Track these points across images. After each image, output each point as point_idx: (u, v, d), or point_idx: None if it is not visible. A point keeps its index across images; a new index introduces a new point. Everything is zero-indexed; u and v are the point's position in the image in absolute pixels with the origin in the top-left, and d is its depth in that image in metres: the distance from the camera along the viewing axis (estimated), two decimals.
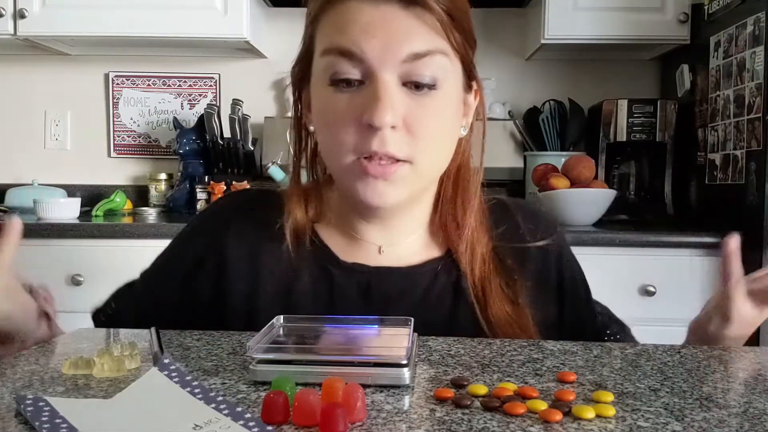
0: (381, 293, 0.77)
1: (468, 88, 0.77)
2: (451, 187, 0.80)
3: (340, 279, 0.78)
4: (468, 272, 0.78)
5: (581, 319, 0.83)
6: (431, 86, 0.69)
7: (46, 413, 0.45)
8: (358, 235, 0.80)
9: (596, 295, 0.89)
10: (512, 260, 0.80)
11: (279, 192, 0.83)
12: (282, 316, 0.65)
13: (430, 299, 0.78)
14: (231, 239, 0.80)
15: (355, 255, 0.79)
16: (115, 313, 0.85)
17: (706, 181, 2.06)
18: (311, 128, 0.77)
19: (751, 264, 0.80)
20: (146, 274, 0.86)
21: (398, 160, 0.69)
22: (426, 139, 0.70)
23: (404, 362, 0.52)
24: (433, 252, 0.81)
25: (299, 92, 0.78)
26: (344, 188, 0.73)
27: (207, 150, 2.34)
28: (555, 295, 0.82)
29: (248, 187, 2.21)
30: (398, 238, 0.80)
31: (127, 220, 2.16)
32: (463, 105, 0.77)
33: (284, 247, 0.78)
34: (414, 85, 0.69)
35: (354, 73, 0.68)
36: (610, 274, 1.79)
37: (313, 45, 0.73)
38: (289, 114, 2.08)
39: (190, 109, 2.55)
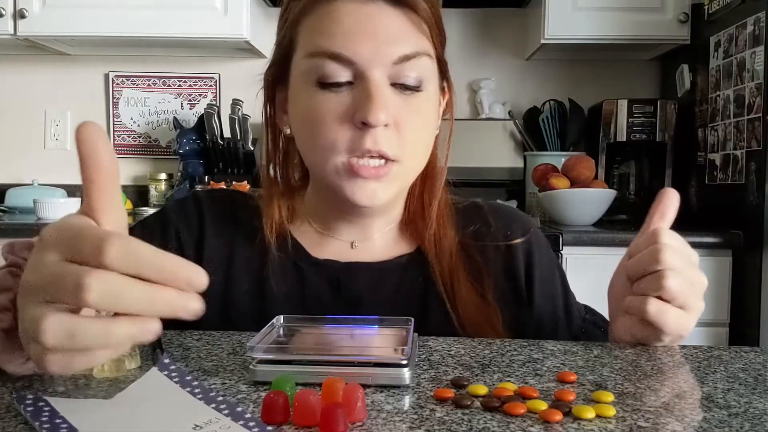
0: (351, 289, 0.79)
1: (442, 88, 0.78)
2: (419, 184, 0.81)
3: (311, 275, 0.79)
4: (436, 265, 0.79)
5: (555, 320, 0.83)
6: (416, 87, 0.71)
7: (46, 413, 0.45)
8: (331, 233, 0.81)
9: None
10: (481, 258, 0.81)
11: (253, 195, 0.85)
12: (282, 316, 0.65)
13: (400, 294, 0.79)
14: (208, 234, 0.81)
15: (326, 252, 0.81)
16: None
17: (706, 181, 2.06)
18: (286, 130, 0.78)
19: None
20: None
21: (388, 160, 0.70)
22: (412, 138, 0.71)
23: (404, 362, 0.52)
24: (404, 248, 0.82)
25: (272, 94, 0.78)
26: (331, 188, 0.73)
27: (207, 150, 2.34)
28: (524, 295, 0.82)
29: (240, 187, 2.21)
30: (371, 234, 0.81)
31: (128, 219, 2.16)
32: (438, 106, 0.78)
33: (258, 246, 0.80)
34: (401, 87, 0.70)
35: (344, 75, 0.69)
36: (610, 274, 1.78)
37: (294, 46, 0.73)
38: None
39: (190, 109, 2.55)
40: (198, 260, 0.80)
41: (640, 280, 0.65)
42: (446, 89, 0.79)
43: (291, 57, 0.74)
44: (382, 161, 0.70)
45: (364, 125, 0.68)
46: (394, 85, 0.70)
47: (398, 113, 0.69)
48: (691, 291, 0.64)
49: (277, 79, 0.77)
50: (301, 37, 0.72)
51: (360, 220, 0.80)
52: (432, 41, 0.72)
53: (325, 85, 0.69)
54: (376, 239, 0.82)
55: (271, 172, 0.81)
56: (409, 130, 0.70)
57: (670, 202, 0.69)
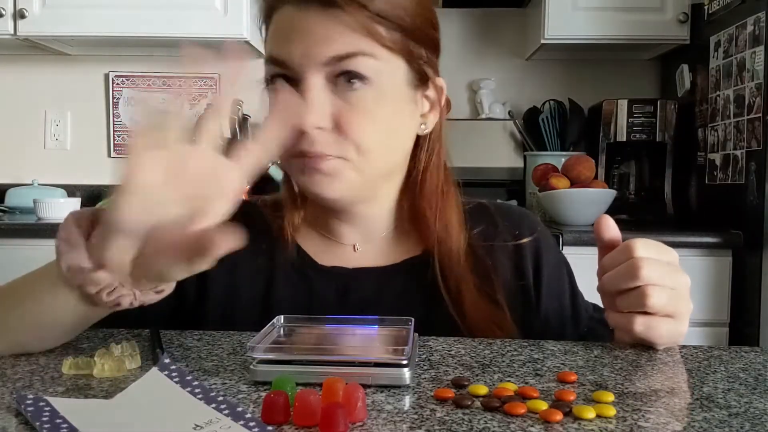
0: (359, 295, 0.78)
1: (420, 85, 0.76)
2: (419, 185, 0.80)
3: (318, 283, 0.79)
4: (441, 270, 0.78)
5: (562, 319, 0.84)
6: (354, 85, 0.70)
7: (47, 413, 0.45)
8: (332, 235, 0.82)
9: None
10: (489, 259, 0.81)
11: (255, 201, 0.85)
12: (282, 317, 0.65)
13: (407, 298, 0.79)
14: None
15: (332, 258, 0.81)
16: None
17: (706, 181, 2.06)
18: None
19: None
20: None
21: (328, 156, 0.71)
22: (358, 136, 0.71)
23: (404, 362, 0.52)
24: (411, 250, 0.82)
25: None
26: (296, 183, 0.77)
27: None
28: (532, 293, 0.82)
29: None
30: (370, 235, 0.81)
31: None
32: (415, 103, 0.77)
33: (263, 254, 0.80)
34: (345, 83, 0.70)
35: (285, 76, 0.71)
36: None
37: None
38: None
39: (190, 109, 2.54)
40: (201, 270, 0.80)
41: (622, 296, 0.65)
42: (430, 87, 0.78)
43: None
44: (323, 157, 0.71)
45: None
46: (334, 83, 0.70)
47: (337, 113, 0.70)
48: (675, 299, 0.64)
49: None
50: (265, 43, 0.76)
51: (350, 218, 0.80)
52: (378, 40, 0.70)
53: (271, 87, 0.73)
54: (378, 242, 0.81)
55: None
56: (353, 129, 0.70)
57: (611, 223, 0.70)
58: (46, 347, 0.63)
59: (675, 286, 0.64)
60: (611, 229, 0.69)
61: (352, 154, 0.71)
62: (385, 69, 0.72)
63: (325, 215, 0.81)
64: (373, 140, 0.73)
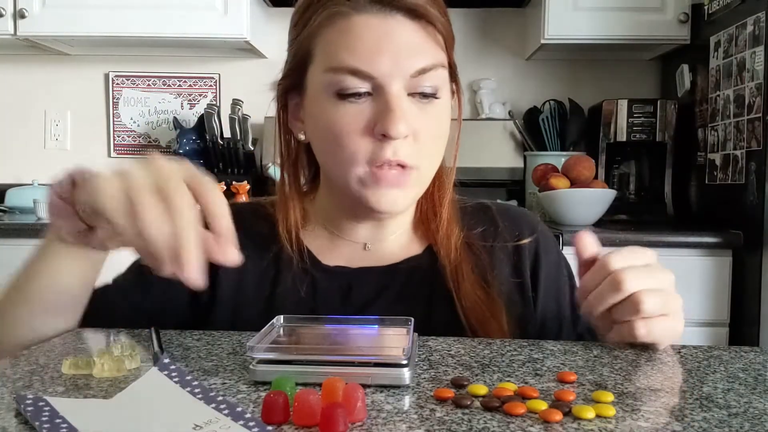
0: (362, 294, 0.79)
1: (455, 92, 0.79)
2: (432, 187, 0.81)
3: (322, 282, 0.79)
4: (445, 261, 0.80)
5: (559, 319, 0.84)
6: (433, 96, 0.72)
7: (46, 413, 0.45)
8: (345, 235, 0.82)
9: None
10: (488, 258, 0.82)
11: (263, 202, 0.85)
12: (282, 316, 0.65)
13: (408, 296, 0.80)
14: None
15: (337, 256, 0.81)
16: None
17: (706, 181, 2.06)
18: (300, 137, 0.78)
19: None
20: (123, 280, 0.82)
21: (406, 167, 0.71)
22: (430, 145, 0.73)
23: (404, 362, 0.52)
24: (414, 248, 0.83)
25: (285, 102, 0.79)
26: (353, 196, 0.74)
27: (207, 150, 2.34)
28: (530, 293, 0.83)
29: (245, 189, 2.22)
30: (385, 236, 0.82)
31: None
32: (452, 110, 0.79)
33: (269, 255, 0.80)
34: (420, 96, 0.71)
35: (363, 87, 0.69)
36: None
37: (310, 58, 0.73)
38: None
39: (190, 109, 2.55)
40: (211, 272, 0.79)
41: (615, 308, 0.65)
42: (455, 91, 0.79)
43: (307, 68, 0.74)
44: (401, 169, 0.71)
45: (385, 137, 0.69)
46: (411, 95, 0.71)
47: (416, 123, 0.70)
48: (665, 297, 0.64)
49: (290, 88, 0.77)
50: (319, 50, 0.72)
51: (375, 223, 0.80)
52: (447, 52, 0.73)
53: (345, 96, 0.70)
54: (389, 241, 0.82)
55: (286, 177, 0.81)
56: (427, 139, 0.72)
57: (590, 239, 0.69)
58: (59, 327, 0.69)
59: (661, 286, 0.64)
60: (590, 245, 0.69)
61: (424, 164, 0.72)
62: (447, 79, 0.74)
63: (341, 216, 0.81)
64: (440, 149, 0.75)
